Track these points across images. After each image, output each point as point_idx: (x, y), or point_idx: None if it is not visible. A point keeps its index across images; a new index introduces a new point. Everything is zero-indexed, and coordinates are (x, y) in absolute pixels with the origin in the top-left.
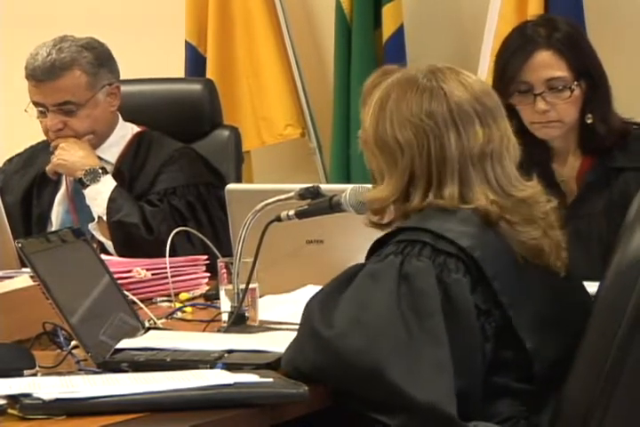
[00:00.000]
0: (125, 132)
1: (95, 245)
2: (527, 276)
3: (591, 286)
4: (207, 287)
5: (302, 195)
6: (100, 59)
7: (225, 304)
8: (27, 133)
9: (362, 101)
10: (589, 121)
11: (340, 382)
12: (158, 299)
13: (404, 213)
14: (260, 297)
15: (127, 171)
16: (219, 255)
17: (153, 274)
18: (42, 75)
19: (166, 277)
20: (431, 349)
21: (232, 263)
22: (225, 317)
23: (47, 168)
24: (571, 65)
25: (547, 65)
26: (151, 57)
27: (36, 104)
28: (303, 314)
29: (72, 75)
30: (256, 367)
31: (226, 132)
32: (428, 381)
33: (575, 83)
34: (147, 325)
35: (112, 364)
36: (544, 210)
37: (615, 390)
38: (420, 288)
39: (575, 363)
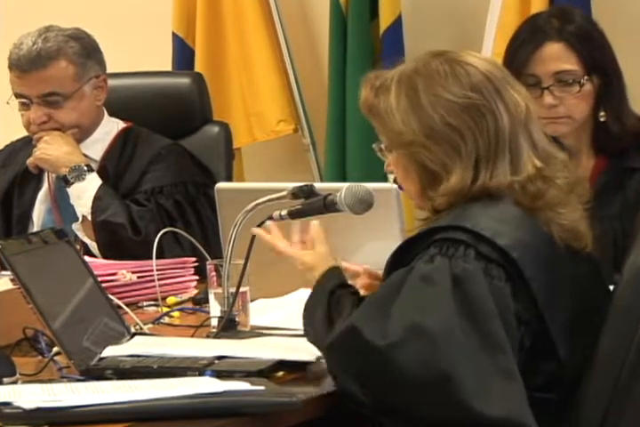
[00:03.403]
0: (111, 127)
1: (79, 247)
2: (560, 272)
3: None
4: (196, 291)
5: (295, 194)
6: (87, 49)
7: (214, 309)
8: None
9: (365, 108)
10: (602, 119)
11: (396, 395)
12: (145, 303)
13: (454, 200)
14: (252, 301)
15: (112, 168)
16: (208, 257)
17: (139, 277)
18: (27, 64)
19: (153, 281)
20: (496, 355)
21: (222, 265)
22: (214, 322)
23: (28, 161)
24: (581, 59)
25: (556, 57)
26: (137, 49)
27: (18, 96)
28: (349, 327)
29: (58, 65)
30: (247, 375)
31: (215, 129)
32: (500, 391)
33: (585, 77)
34: (132, 330)
35: (96, 371)
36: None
37: (630, 398)
38: (475, 292)
39: (590, 370)
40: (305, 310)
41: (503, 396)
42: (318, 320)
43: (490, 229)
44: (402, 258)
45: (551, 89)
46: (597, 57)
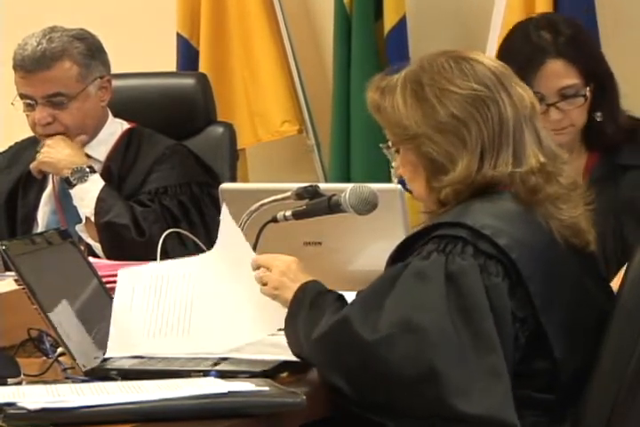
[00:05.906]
0: (115, 128)
1: (83, 248)
2: (560, 270)
3: None
4: None
5: (300, 194)
6: (91, 50)
7: None
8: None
9: (373, 108)
10: (599, 119)
11: (380, 391)
12: None
13: (460, 189)
14: None
15: (116, 169)
16: None
17: None
18: (31, 65)
19: None
20: (485, 353)
21: None
22: None
23: (31, 166)
24: (581, 71)
25: (558, 74)
26: (141, 50)
27: (23, 97)
28: (340, 318)
29: (63, 65)
30: (251, 375)
31: (220, 129)
32: (484, 389)
33: (587, 88)
34: None
35: (100, 372)
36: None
37: (635, 400)
38: (468, 289)
39: (594, 372)
40: (285, 326)
41: (486, 394)
42: (301, 328)
43: (490, 227)
44: (403, 254)
45: (557, 105)
46: (591, 64)
